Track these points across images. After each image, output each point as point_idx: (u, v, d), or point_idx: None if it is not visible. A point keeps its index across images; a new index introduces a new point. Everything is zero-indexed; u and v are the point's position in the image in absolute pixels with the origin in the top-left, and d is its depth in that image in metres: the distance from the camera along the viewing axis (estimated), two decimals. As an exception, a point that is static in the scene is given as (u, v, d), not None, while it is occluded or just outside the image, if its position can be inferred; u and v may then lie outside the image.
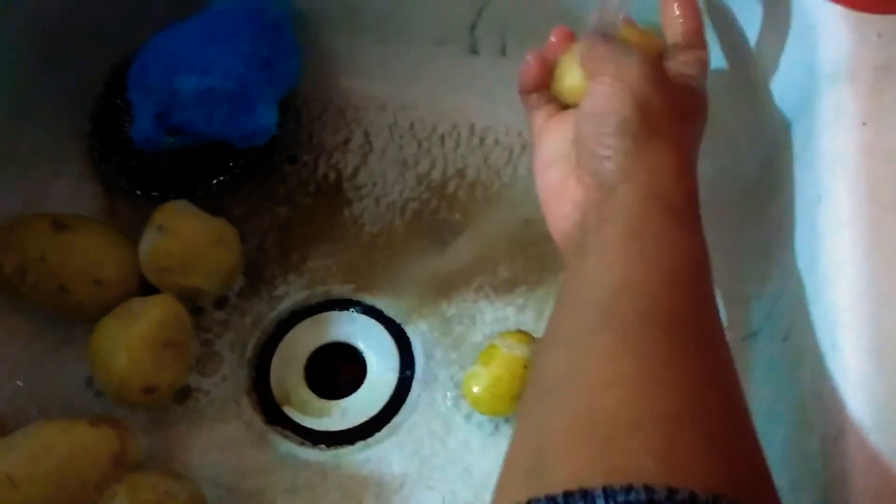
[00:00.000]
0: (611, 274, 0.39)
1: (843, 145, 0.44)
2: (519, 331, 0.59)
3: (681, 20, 0.48)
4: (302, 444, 0.60)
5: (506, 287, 0.64)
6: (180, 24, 0.63)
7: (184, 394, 0.61)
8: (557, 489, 0.30)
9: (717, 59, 0.56)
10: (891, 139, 0.43)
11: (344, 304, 0.65)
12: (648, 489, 0.29)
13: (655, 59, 0.45)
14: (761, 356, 0.53)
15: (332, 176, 0.69)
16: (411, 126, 0.71)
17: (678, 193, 0.41)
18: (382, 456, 0.59)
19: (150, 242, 0.59)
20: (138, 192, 0.66)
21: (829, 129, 0.45)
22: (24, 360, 0.61)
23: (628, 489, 0.29)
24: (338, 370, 0.64)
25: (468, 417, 0.60)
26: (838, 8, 0.47)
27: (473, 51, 0.67)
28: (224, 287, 0.63)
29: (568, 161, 0.46)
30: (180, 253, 0.59)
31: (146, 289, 0.60)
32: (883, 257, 0.41)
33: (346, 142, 0.70)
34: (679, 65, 0.47)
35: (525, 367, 0.56)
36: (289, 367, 0.63)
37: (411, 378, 0.62)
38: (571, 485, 0.30)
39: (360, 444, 0.60)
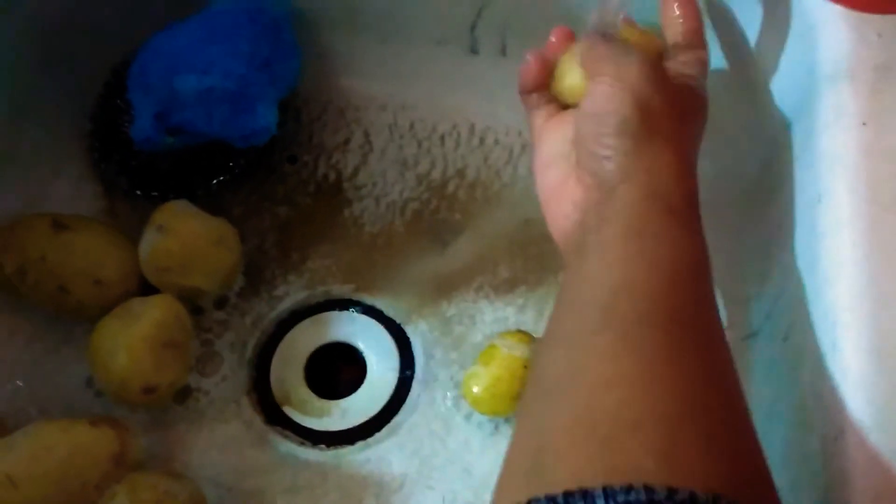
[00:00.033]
0: (611, 274, 0.39)
1: (843, 145, 0.44)
2: (519, 331, 0.59)
3: (681, 20, 0.48)
4: (302, 444, 0.60)
5: (506, 287, 0.64)
6: (180, 24, 0.63)
7: (184, 394, 0.61)
8: (557, 489, 0.30)
9: (717, 59, 0.56)
10: (891, 139, 0.43)
11: (344, 304, 0.65)
12: (648, 489, 0.29)
13: (655, 59, 0.45)
14: (761, 356, 0.53)
15: (333, 176, 0.69)
16: (411, 126, 0.71)
17: (678, 193, 0.41)
18: (382, 456, 0.59)
19: (151, 242, 0.59)
20: (138, 192, 0.66)
21: (829, 129, 0.45)
22: (25, 360, 0.61)
23: (628, 489, 0.29)
24: (338, 370, 0.64)
25: (468, 417, 0.60)
26: (838, 8, 0.47)
27: (473, 51, 0.67)
28: (224, 287, 0.63)
29: (568, 161, 0.46)
30: (180, 253, 0.59)
31: (146, 289, 0.60)
32: (883, 257, 0.41)
33: (346, 142, 0.70)
34: (679, 65, 0.47)
35: (525, 367, 0.56)
36: (289, 367, 0.63)
37: (411, 378, 0.62)
38: (571, 485, 0.30)
39: (360, 444, 0.60)
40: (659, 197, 0.41)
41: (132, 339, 0.56)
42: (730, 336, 0.40)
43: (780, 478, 0.35)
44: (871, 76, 0.45)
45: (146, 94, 0.62)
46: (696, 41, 0.48)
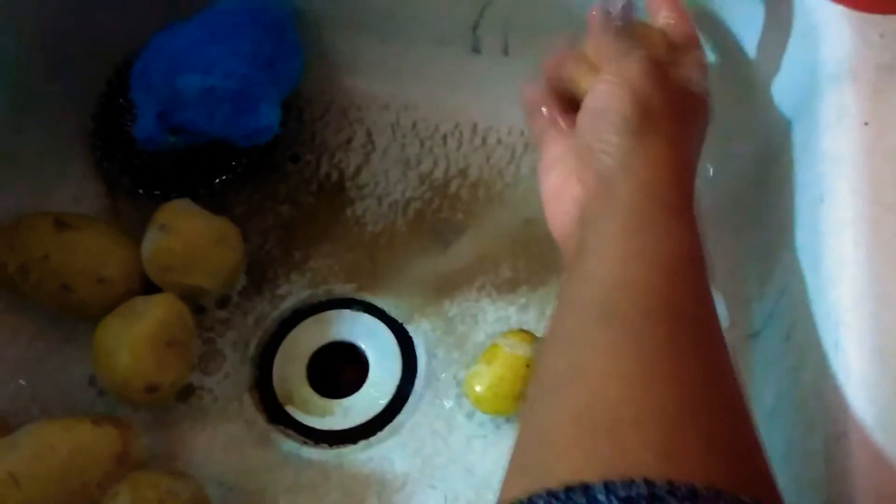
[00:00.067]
0: (611, 272, 0.39)
1: (845, 145, 0.44)
2: (521, 330, 0.59)
3: (671, 23, 0.48)
4: (304, 443, 0.60)
5: (508, 286, 0.64)
6: (183, 24, 0.63)
7: (186, 392, 0.61)
8: (558, 484, 0.30)
9: (718, 59, 0.56)
10: (893, 139, 0.43)
11: (346, 304, 0.65)
12: (649, 483, 0.29)
13: (658, 56, 0.45)
14: (763, 356, 0.53)
15: (335, 175, 0.69)
16: (414, 125, 0.71)
17: (677, 191, 0.42)
18: (385, 455, 0.59)
19: (153, 241, 0.59)
20: (141, 192, 0.66)
21: (831, 129, 0.45)
22: (27, 359, 0.61)
23: (629, 483, 0.29)
24: (340, 369, 0.64)
25: (470, 417, 0.60)
26: (840, 8, 0.47)
27: (476, 50, 0.67)
28: (226, 286, 0.63)
29: (569, 162, 0.46)
30: (183, 252, 0.59)
31: (149, 288, 0.60)
32: (885, 257, 0.41)
33: (349, 141, 0.70)
34: (677, 67, 0.47)
35: (527, 366, 0.56)
36: (291, 366, 0.63)
37: (413, 377, 0.62)
38: (572, 480, 0.30)
39: (362, 443, 0.60)
40: (658, 194, 0.41)
41: (134, 338, 0.56)
42: (732, 336, 0.40)
43: (783, 477, 0.35)
44: (873, 76, 0.45)
45: (148, 94, 0.62)
46: (690, 43, 0.48)
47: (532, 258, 0.65)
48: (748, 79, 0.55)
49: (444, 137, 0.70)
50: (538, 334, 0.59)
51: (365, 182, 0.69)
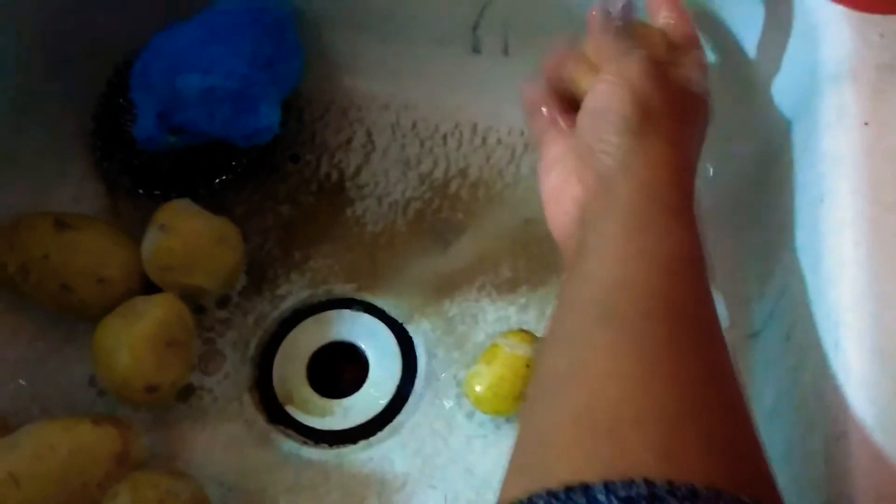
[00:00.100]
0: (611, 272, 0.39)
1: (845, 145, 0.44)
2: (521, 330, 0.59)
3: (671, 23, 0.48)
4: (304, 443, 0.60)
5: (508, 286, 0.64)
6: (183, 24, 0.63)
7: (186, 392, 0.61)
8: (558, 484, 0.30)
9: (718, 59, 0.56)
10: (893, 139, 0.44)
11: (346, 304, 0.65)
12: (649, 483, 0.29)
13: (658, 56, 0.45)
14: (763, 356, 0.53)
15: (335, 175, 0.69)
16: (414, 125, 0.71)
17: (677, 190, 0.42)
18: (385, 455, 0.59)
19: (153, 241, 0.59)
20: (141, 192, 0.66)
21: (831, 129, 0.45)
22: (27, 359, 0.61)
23: (629, 483, 0.29)
24: (340, 369, 0.64)
25: (470, 417, 0.60)
26: (840, 8, 0.47)
27: (476, 50, 0.67)
28: (226, 286, 0.63)
29: (569, 162, 0.46)
30: (183, 252, 0.59)
31: (149, 288, 0.60)
32: (885, 257, 0.41)
33: (349, 141, 0.70)
34: (677, 67, 0.47)
35: (527, 366, 0.56)
36: (291, 366, 0.63)
37: (413, 377, 0.62)
38: (572, 479, 0.30)
39: (362, 443, 0.60)
40: (658, 194, 0.41)
41: (134, 338, 0.56)
42: (732, 336, 0.40)
43: (783, 477, 0.35)
44: (873, 76, 0.45)
45: (148, 94, 0.62)
46: (690, 43, 0.48)
47: (532, 258, 0.65)
48: (748, 79, 0.55)
49: (444, 137, 0.70)
50: (538, 334, 0.59)
51: (365, 182, 0.69)
